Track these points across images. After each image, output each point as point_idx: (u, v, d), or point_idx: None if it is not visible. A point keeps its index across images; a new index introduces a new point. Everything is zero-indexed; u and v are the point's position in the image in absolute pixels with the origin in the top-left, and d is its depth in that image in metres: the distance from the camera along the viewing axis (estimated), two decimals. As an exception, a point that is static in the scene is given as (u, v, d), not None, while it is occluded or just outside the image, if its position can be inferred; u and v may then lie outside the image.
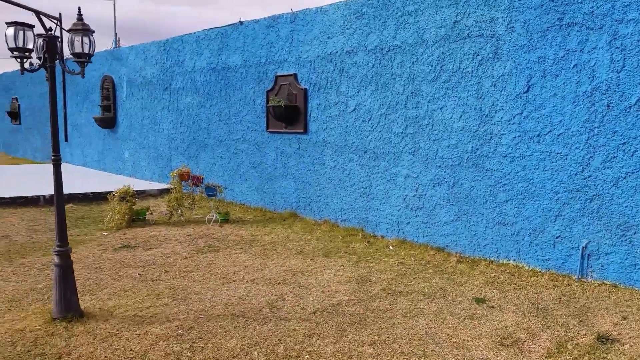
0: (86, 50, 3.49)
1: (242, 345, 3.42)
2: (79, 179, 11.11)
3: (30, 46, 3.36)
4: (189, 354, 3.28)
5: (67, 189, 9.65)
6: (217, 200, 7.94)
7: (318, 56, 7.02)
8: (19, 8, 3.69)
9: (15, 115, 17.38)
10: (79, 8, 3.47)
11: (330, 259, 5.51)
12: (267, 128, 7.89)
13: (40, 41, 3.38)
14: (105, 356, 3.22)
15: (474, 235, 5.49)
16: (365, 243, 6.12)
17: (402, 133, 6.09)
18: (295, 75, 7.35)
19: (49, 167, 15.03)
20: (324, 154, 7.09)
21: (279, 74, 7.61)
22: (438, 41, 5.66)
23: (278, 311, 4.02)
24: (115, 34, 15.00)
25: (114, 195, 7.04)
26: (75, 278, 3.91)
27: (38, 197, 8.76)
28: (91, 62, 3.66)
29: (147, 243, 6.16)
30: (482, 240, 5.44)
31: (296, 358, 3.25)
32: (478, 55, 5.34)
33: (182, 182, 7.44)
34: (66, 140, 14.12)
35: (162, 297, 4.29)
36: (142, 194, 9.15)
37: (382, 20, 6.18)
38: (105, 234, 6.64)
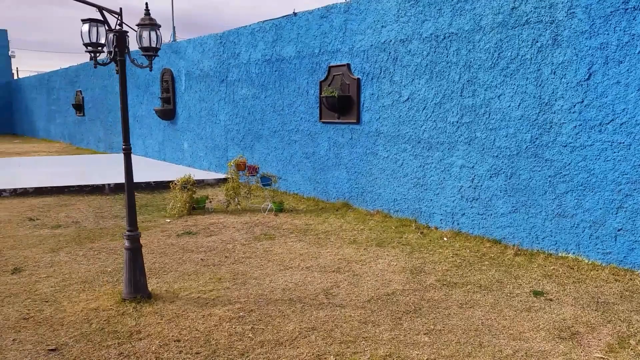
0: (154, 45, 3.67)
1: (300, 328, 3.54)
2: (141, 168, 11.61)
3: (102, 41, 3.57)
4: (250, 335, 3.43)
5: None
6: (272, 189, 8.13)
7: (371, 45, 7.02)
8: (80, 3, 3.92)
9: (79, 107, 18.27)
10: (147, 4, 3.66)
11: (384, 249, 5.56)
12: (320, 118, 7.98)
13: (111, 36, 3.59)
14: (173, 335, 3.42)
15: (532, 228, 5.39)
16: (418, 234, 6.12)
17: (457, 122, 6.03)
18: (348, 65, 7.39)
19: (111, 157, 15.79)
20: (376, 144, 7.11)
21: (332, 64, 7.67)
22: (495, 28, 5.55)
23: (333, 298, 4.12)
24: (173, 27, 15.48)
25: (175, 184, 7.35)
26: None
27: (103, 185, 9.23)
28: (158, 56, 3.84)
29: (207, 230, 6.40)
30: (540, 232, 5.33)
31: (352, 343, 3.33)
32: (537, 42, 5.20)
33: (239, 172, 7.66)
34: (128, 131, 14.72)
35: (223, 281, 4.48)
36: (200, 183, 9.48)
37: (438, 8, 6.11)
38: (168, 220, 6.95)
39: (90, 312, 3.80)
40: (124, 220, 6.91)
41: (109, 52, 3.61)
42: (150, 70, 3.92)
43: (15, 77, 29.32)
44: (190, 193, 7.40)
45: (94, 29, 3.49)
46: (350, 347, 3.28)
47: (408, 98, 6.59)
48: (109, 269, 4.84)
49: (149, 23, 3.64)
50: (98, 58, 3.81)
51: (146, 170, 11.24)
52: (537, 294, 4.17)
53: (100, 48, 3.58)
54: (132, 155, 13.45)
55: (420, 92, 6.42)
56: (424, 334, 3.46)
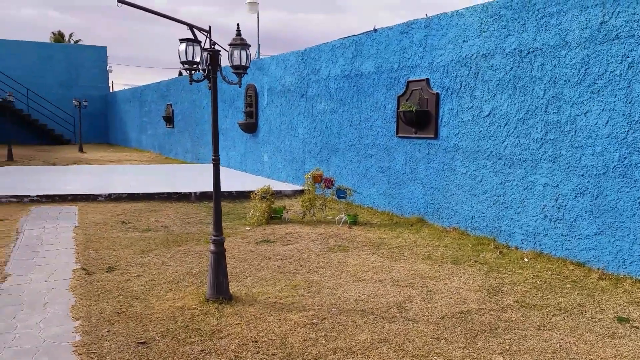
0: (243, 63, 3.93)
1: (372, 339, 3.60)
2: (224, 179, 12.11)
3: (197, 59, 3.86)
4: (323, 341, 3.54)
5: (210, 188, 10.60)
6: (347, 202, 8.22)
7: (452, 60, 6.99)
8: (170, 20, 4.26)
9: (169, 119, 19.43)
10: (238, 25, 3.93)
11: (460, 266, 5.48)
12: (397, 133, 8.02)
13: (205, 55, 3.88)
14: (251, 336, 3.60)
15: (619, 251, 5.11)
16: (497, 253, 5.97)
17: (541, 139, 5.85)
18: (427, 80, 7.39)
19: (197, 167, 16.58)
20: (454, 160, 7.04)
21: (410, 79, 7.70)
22: (582, 43, 5.36)
23: (406, 312, 4.14)
24: (259, 44, 16.17)
25: (255, 194, 7.66)
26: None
27: (190, 193, 9.77)
28: (247, 73, 4.10)
29: (284, 239, 6.62)
30: (627, 256, 5.04)
31: (424, 357, 3.34)
32: (628, 57, 4.97)
33: (315, 184, 7.86)
34: (212, 142, 15.49)
35: (298, 289, 4.63)
36: (278, 194, 9.78)
37: (522, 23, 5.99)
38: (248, 228, 7.25)
39: (176, 310, 4.07)
40: (208, 227, 7.31)
41: (203, 70, 3.90)
42: (239, 87, 4.18)
43: (111, 91, 31.65)
44: (269, 203, 7.68)
45: (190, 48, 3.79)
46: (421, 361, 3.29)
47: (489, 113, 6.49)
48: (194, 271, 5.15)
49: (240, 43, 3.91)
50: (191, 74, 4.11)
51: (229, 180, 11.75)
52: (622, 320, 3.95)
53: (195, 66, 3.87)
54: (217, 166, 13.74)
55: (502, 107, 6.30)
56: (499, 353, 3.40)
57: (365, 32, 8.72)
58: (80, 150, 21.65)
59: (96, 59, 29.90)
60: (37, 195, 9.08)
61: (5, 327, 3.71)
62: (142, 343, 3.48)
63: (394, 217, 8.04)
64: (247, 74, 4.17)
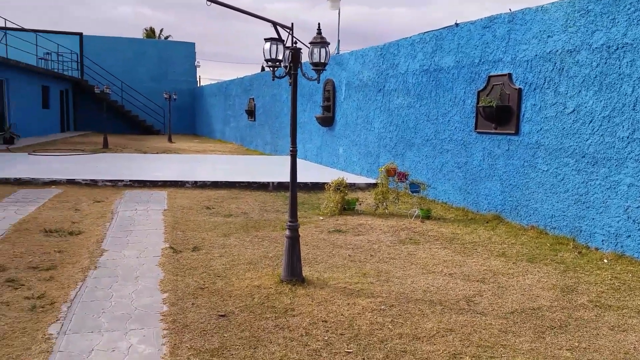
0: (323, 60, 4.12)
1: (438, 328, 3.68)
2: (300, 170, 12.48)
3: (280, 57, 4.10)
4: (390, 326, 3.67)
5: (287, 179, 10.97)
6: (420, 197, 8.25)
7: (535, 55, 6.80)
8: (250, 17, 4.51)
9: (251, 113, 20.17)
10: (319, 24, 4.12)
11: (535, 265, 5.38)
12: (475, 128, 7.91)
13: (287, 52, 4.11)
14: (321, 316, 3.80)
15: None
16: (575, 253, 5.79)
17: (628, 138, 5.59)
18: (509, 75, 7.24)
19: (276, 159, 17.13)
20: (535, 157, 6.86)
21: (492, 74, 7.57)
22: (680, 36, 5.06)
23: (475, 305, 4.17)
24: (338, 40, 16.37)
25: (330, 185, 7.88)
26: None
27: (268, 183, 10.17)
28: (325, 70, 4.28)
29: (355, 229, 6.79)
30: None
31: (490, 348, 3.39)
32: None
33: (389, 178, 7.94)
34: (290, 135, 15.95)
35: (367, 277, 4.78)
36: (352, 187, 9.94)
37: (611, 17, 5.74)
38: (321, 218, 7.49)
39: (253, 288, 4.36)
40: (284, 214, 7.62)
41: (285, 67, 4.13)
42: (318, 83, 4.38)
43: (198, 85, 33.22)
44: (343, 195, 7.87)
45: (274, 47, 4.03)
46: (487, 352, 3.33)
47: (574, 110, 6.27)
48: (270, 255, 5.45)
49: (320, 41, 4.10)
50: (266, 70, 4.35)
51: (304, 171, 12.08)
52: None
53: (278, 63, 4.11)
54: (294, 157, 14.16)
55: (587, 104, 6.07)
56: (567, 349, 3.37)
57: (446, 27, 8.65)
58: (169, 140, 22.99)
59: (185, 54, 31.53)
60: (130, 181, 9.85)
61: (103, 295, 4.16)
62: (222, 316, 3.79)
63: (468, 213, 7.95)
64: (325, 70, 4.36)
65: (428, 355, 3.27)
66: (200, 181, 10.09)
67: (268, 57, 4.04)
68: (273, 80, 4.31)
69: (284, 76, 4.22)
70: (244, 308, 3.94)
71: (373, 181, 10.58)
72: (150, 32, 45.78)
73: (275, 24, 4.57)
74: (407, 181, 7.86)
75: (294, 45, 4.05)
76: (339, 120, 12.63)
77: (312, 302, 4.09)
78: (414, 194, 7.86)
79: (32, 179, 9.50)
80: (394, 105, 10.16)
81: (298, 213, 7.77)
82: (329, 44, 4.15)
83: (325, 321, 3.72)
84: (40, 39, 23.76)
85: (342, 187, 7.82)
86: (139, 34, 48.79)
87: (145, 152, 16.90)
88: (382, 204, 7.99)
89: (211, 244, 5.85)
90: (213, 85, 27.76)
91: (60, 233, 6.07)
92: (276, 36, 4.27)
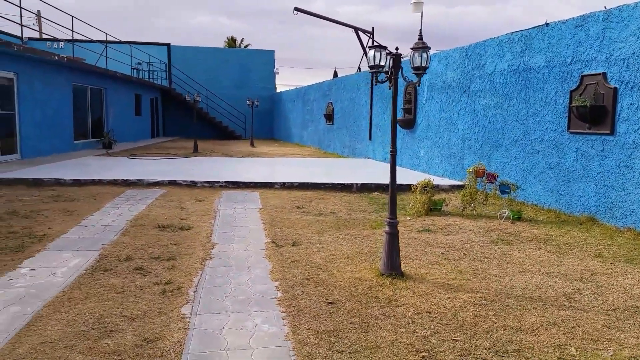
0: (423, 64, 4.35)
1: (541, 321, 3.78)
2: (382, 172, 12.74)
3: (383, 63, 4.37)
4: (493, 319, 3.82)
5: (374, 180, 11.23)
6: (509, 198, 8.20)
7: (633, 53, 6.63)
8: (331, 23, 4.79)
9: (329, 117, 20.62)
10: (420, 30, 4.35)
11: (634, 266, 5.29)
12: (568, 129, 7.78)
13: (389, 59, 4.37)
14: (424, 307, 4.02)
15: None
16: (679, 255, 5.61)
17: None
18: (604, 74, 7.08)
19: (355, 161, 17.44)
20: (633, 157, 6.67)
21: (585, 73, 7.43)
22: None
23: (575, 302, 4.21)
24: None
25: (416, 186, 8.04)
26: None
27: (352, 184, 10.47)
28: (425, 73, 4.50)
29: (444, 229, 6.91)
30: None
31: (595, 341, 3.46)
32: None
33: (477, 179, 7.98)
34: (370, 138, 16.20)
35: (464, 274, 4.93)
36: (435, 188, 10.01)
37: None
38: (408, 218, 7.67)
39: (355, 280, 4.65)
40: (371, 214, 7.89)
41: (386, 72, 4.40)
42: (418, 86, 4.60)
43: (276, 91, 34.24)
44: (429, 195, 8.00)
45: (378, 53, 4.31)
46: (592, 344, 3.41)
47: (675, 108, 6.06)
48: (365, 251, 5.72)
49: (421, 46, 4.33)
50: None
51: (386, 173, 12.28)
52: None
53: (380, 69, 4.38)
54: (372, 160, 15.04)
55: (692, 101, 5.85)
56: (679, 347, 3.37)
57: (535, 27, 8.56)
58: (252, 144, 23.95)
59: (265, 61, 32.66)
60: (225, 182, 10.50)
61: (222, 282, 4.61)
62: (331, 303, 4.10)
63: (560, 215, 7.83)
64: (426, 73, 4.57)
65: (534, 345, 3.40)
66: (287, 182, 10.56)
67: (372, 63, 4.32)
68: (376, 84, 4.61)
69: (385, 81, 4.48)
70: (350, 297, 4.23)
71: (457, 183, 10.60)
72: (231, 41, 47.75)
73: (357, 29, 4.84)
74: (497, 182, 7.87)
75: (397, 51, 4.30)
76: (420, 122, 12.71)
77: (414, 294, 4.31)
78: (504, 195, 7.85)
79: (138, 180, 10.37)
80: (480, 106, 10.13)
81: (384, 213, 8.03)
82: (429, 48, 4.36)
83: (429, 312, 3.93)
84: (133, 49, 25.56)
85: (429, 188, 7.96)
86: (217, 42, 51.02)
87: (231, 156, 17.76)
88: (469, 205, 8.03)
89: (308, 240, 6.21)
90: (292, 91, 28.55)
91: (172, 228, 6.68)
92: (357, 40, 4.56)
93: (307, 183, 10.58)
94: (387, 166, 14.12)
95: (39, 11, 33.63)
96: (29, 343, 3.31)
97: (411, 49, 4.36)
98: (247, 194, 9.65)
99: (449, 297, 4.25)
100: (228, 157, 17.43)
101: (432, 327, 3.67)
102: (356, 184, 10.49)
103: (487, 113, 9.92)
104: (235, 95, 31.63)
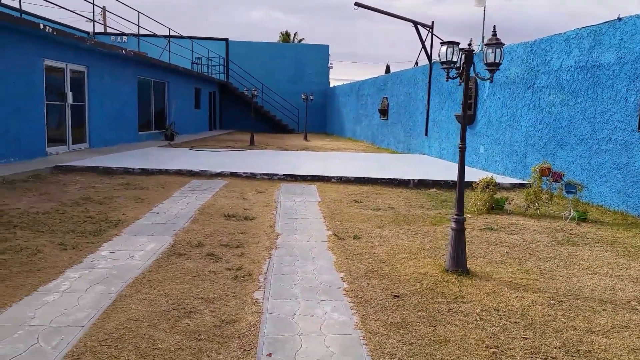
0: (497, 60, 4.33)
1: (612, 324, 3.72)
2: (438, 168, 12.64)
3: (455, 59, 4.38)
4: (562, 319, 3.79)
5: (431, 176, 11.17)
6: (574, 199, 7.99)
7: None
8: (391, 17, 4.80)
9: (384, 112, 20.56)
10: (494, 26, 4.33)
11: None
12: (639, 128, 7.48)
13: (461, 54, 4.38)
14: (492, 305, 4.03)
15: None
16: None
17: None
18: (682, 72, 6.77)
19: (410, 157, 17.38)
20: None
21: (660, 70, 7.12)
22: None
23: (649, 307, 4.10)
24: (483, 37, 16.13)
25: (477, 184, 7.96)
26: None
27: (408, 180, 10.46)
28: (499, 69, 4.48)
29: (507, 228, 6.83)
30: None
31: (674, 348, 3.37)
32: None
33: (542, 178, 7.80)
34: (426, 134, 16.06)
35: (530, 274, 4.88)
36: (495, 186, 9.86)
37: None
38: (469, 216, 7.59)
39: (419, 275, 4.70)
40: (430, 211, 7.88)
41: (457, 68, 4.41)
42: (491, 82, 4.57)
43: (330, 85, 34.37)
44: (491, 193, 7.89)
45: (450, 50, 4.32)
46: (671, 351, 3.33)
47: None
48: (427, 247, 5.75)
49: (495, 42, 4.31)
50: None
51: (444, 170, 12.18)
52: None
53: (452, 65, 4.39)
54: (428, 157, 14.93)
55: None
56: None
57: (606, 22, 8.26)
58: (305, 138, 24.22)
59: (319, 56, 32.86)
60: (283, 174, 10.72)
61: (289, 270, 4.77)
62: (396, 296, 4.17)
63: (628, 217, 7.56)
64: (499, 69, 4.55)
65: (606, 347, 3.36)
66: (344, 177, 10.67)
67: (444, 59, 4.34)
68: (447, 80, 4.60)
69: (456, 77, 4.49)
70: (415, 292, 4.29)
71: (518, 181, 10.39)
72: (286, 36, 48.26)
73: (416, 24, 4.84)
74: (562, 182, 7.68)
75: (469, 47, 4.31)
76: (480, 119, 12.50)
77: (480, 292, 4.32)
78: (569, 195, 7.65)
79: (202, 171, 10.75)
80: (545, 103, 9.88)
81: (444, 210, 8.02)
82: (503, 44, 4.34)
83: (497, 310, 3.94)
84: (192, 44, 26.31)
85: (491, 186, 7.85)
86: (271, 37, 51.58)
87: (286, 149, 18.05)
88: (533, 204, 7.88)
89: (369, 233, 6.29)
90: (345, 86, 28.61)
91: (237, 217, 6.92)
92: (416, 34, 4.55)
93: (364, 178, 10.65)
94: (444, 162, 14.08)
95: (104, 6, 35.11)
96: (116, 320, 3.57)
97: (485, 44, 4.35)
98: (305, 187, 9.82)
99: (517, 296, 4.23)
100: (283, 150, 17.72)
101: (501, 324, 3.68)
102: (413, 179, 10.47)
103: (552, 110, 9.66)
104: (290, 90, 32.01)
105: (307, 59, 32.73)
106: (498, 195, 8.51)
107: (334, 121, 30.74)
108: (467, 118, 12.67)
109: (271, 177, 10.65)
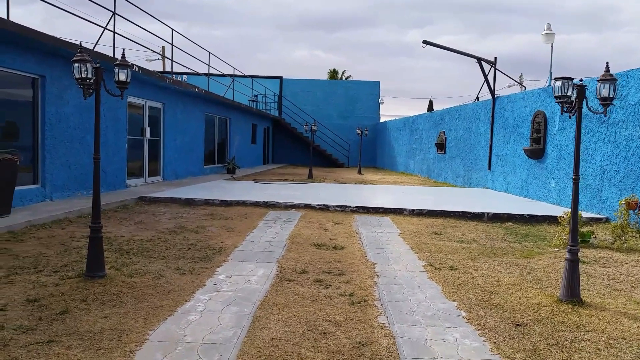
0: (610, 95, 4.52)
1: None
2: (508, 202, 12.58)
3: (569, 94, 4.56)
4: (698, 350, 3.79)
5: (502, 210, 11.09)
6: (663, 233, 7.87)
7: None
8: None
9: (441, 146, 20.66)
10: (607, 63, 4.49)
11: None
12: None
13: (573, 90, 4.55)
14: (616, 334, 4.06)
15: None
16: None
17: None
18: None
19: (472, 191, 17.30)
20: None
21: None
22: None
23: None
24: (551, 72, 16.20)
25: (563, 217, 7.95)
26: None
27: (483, 213, 10.48)
28: (613, 104, 4.62)
29: (599, 262, 6.78)
30: None
31: None
32: None
33: (629, 211, 7.74)
34: (489, 168, 16.04)
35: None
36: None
37: None
38: (556, 249, 7.58)
39: (533, 305, 4.77)
40: (514, 244, 7.90)
41: (569, 103, 4.59)
42: (605, 115, 4.72)
43: (380, 120, 34.78)
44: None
45: (565, 84, 4.52)
46: None
47: None
48: (529, 279, 5.79)
49: (608, 78, 4.51)
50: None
51: (513, 204, 12.12)
52: None
53: (566, 99, 4.57)
54: (492, 191, 14.87)
55: None
56: None
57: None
58: (359, 172, 24.49)
59: (370, 92, 33.44)
60: (356, 206, 10.95)
61: (402, 297, 4.93)
62: (518, 325, 4.26)
63: None
64: (613, 104, 4.69)
65: None
66: (416, 209, 10.79)
67: (558, 93, 4.53)
68: (562, 114, 4.77)
69: (570, 111, 4.66)
70: (535, 321, 4.36)
71: (594, 215, 10.26)
72: (333, 73, 49.35)
73: (479, 59, 5.03)
74: (653, 215, 7.59)
75: (581, 82, 4.48)
76: (550, 153, 12.46)
77: (600, 321, 4.35)
78: (660, 228, 7.53)
79: (277, 202, 11.12)
80: (622, 137, 9.82)
81: (527, 244, 8.03)
82: (616, 80, 4.49)
83: (624, 338, 3.97)
84: (249, 81, 27.34)
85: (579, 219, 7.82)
86: (316, 74, 52.64)
87: (344, 182, 18.32)
88: (620, 238, 7.79)
89: (464, 265, 6.38)
90: (398, 120, 28.91)
91: (327, 247, 7.15)
92: (480, 70, 4.73)
93: (436, 210, 10.74)
94: (510, 196, 14.02)
95: (163, 47, 36.99)
96: (262, 338, 3.81)
97: (598, 80, 4.52)
98: (379, 218, 10.00)
99: (638, 326, 4.25)
100: (341, 183, 18.00)
101: (634, 352, 3.72)
102: (487, 213, 10.48)
103: (630, 144, 9.58)
104: (340, 125, 32.59)
105: (358, 95, 33.35)
106: (581, 230, 8.45)
107: (385, 155, 30.96)
108: (535, 152, 12.69)
109: (344, 209, 10.89)
